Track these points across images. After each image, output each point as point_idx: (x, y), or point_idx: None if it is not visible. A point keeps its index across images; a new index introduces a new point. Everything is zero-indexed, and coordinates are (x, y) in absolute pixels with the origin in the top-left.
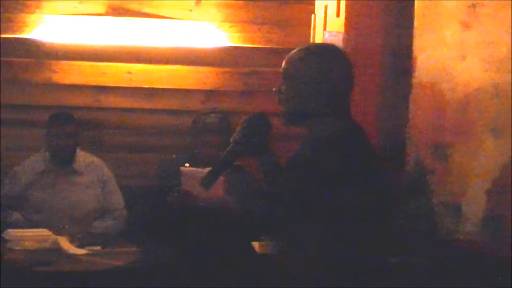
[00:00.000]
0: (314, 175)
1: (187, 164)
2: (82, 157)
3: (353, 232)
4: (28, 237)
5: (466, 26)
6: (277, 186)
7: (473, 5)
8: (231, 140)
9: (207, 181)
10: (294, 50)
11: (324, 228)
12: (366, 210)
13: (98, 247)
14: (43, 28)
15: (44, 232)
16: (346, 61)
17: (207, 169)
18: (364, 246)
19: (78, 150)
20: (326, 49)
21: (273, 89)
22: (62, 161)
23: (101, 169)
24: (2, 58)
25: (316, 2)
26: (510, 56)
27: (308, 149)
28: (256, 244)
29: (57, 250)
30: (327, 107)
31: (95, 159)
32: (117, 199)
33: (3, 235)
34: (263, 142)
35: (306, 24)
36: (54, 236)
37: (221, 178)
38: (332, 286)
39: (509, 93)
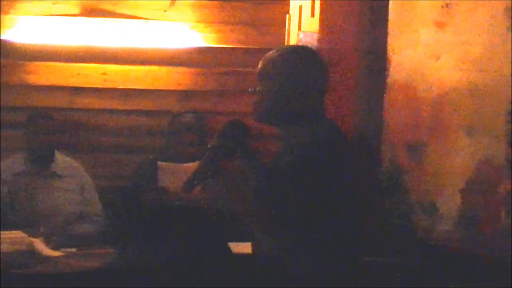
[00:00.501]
0: (295, 175)
1: (163, 162)
2: (61, 160)
3: (333, 230)
4: (2, 239)
5: (440, 25)
6: (263, 186)
7: (447, 5)
8: (208, 147)
9: (188, 186)
10: (270, 52)
11: (306, 226)
12: (343, 207)
13: (73, 249)
14: (17, 29)
15: (18, 234)
16: (320, 63)
17: (184, 164)
18: (344, 245)
19: (57, 153)
20: (301, 51)
21: (248, 89)
22: (41, 161)
23: (80, 173)
24: None
25: (291, 2)
26: (484, 55)
27: (287, 149)
28: (233, 244)
29: (32, 252)
30: (302, 107)
31: (74, 163)
32: (95, 204)
33: None
34: (241, 146)
35: (281, 24)
36: (29, 239)
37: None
38: (312, 285)
39: (484, 92)
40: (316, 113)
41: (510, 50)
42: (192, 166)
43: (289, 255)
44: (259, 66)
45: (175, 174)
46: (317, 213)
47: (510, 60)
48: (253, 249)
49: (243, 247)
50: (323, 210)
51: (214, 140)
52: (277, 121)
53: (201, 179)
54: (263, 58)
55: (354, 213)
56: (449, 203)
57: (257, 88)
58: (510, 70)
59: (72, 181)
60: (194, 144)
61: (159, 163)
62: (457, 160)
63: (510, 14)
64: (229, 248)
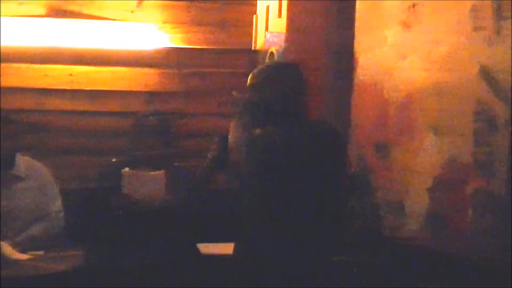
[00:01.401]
0: (274, 173)
1: (127, 168)
2: (23, 162)
3: (310, 228)
4: None
5: (406, 26)
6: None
7: (413, 5)
8: (208, 157)
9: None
10: (260, 67)
11: (281, 225)
12: (324, 204)
13: (41, 252)
14: None
15: None
16: (300, 75)
17: (148, 173)
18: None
19: (18, 155)
20: (284, 67)
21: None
22: (2, 165)
23: (42, 174)
24: None
25: (258, 2)
26: (450, 55)
27: (272, 149)
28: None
29: None
30: (287, 113)
31: (36, 163)
32: (56, 202)
33: None
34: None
35: (248, 25)
36: None
37: (163, 178)
38: (282, 284)
39: (450, 92)
40: (299, 117)
41: (476, 50)
42: (156, 174)
43: (265, 254)
44: (249, 79)
45: (139, 182)
46: (301, 208)
47: (476, 59)
48: (234, 250)
49: (225, 248)
50: (305, 205)
51: (211, 152)
52: (266, 124)
53: (203, 184)
54: (253, 73)
55: (334, 210)
56: (417, 202)
57: (248, 100)
58: (476, 70)
59: (34, 182)
60: (159, 146)
61: (123, 170)
62: (424, 159)
63: (475, 14)
64: (197, 249)
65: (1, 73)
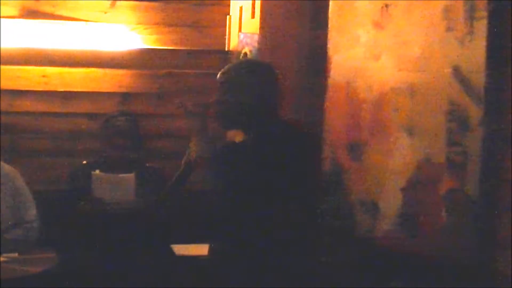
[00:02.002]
0: (249, 173)
1: (97, 171)
2: None
3: (283, 229)
4: None
5: (379, 26)
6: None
7: (386, 5)
8: (182, 162)
9: (163, 198)
10: (229, 65)
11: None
12: (298, 203)
13: (15, 254)
14: None
15: None
16: (274, 75)
17: (119, 175)
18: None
19: None
20: (257, 65)
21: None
22: None
23: (14, 179)
24: None
25: (231, 3)
26: (423, 55)
27: (247, 149)
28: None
29: None
30: (259, 113)
31: (8, 168)
32: (30, 211)
33: None
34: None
35: (221, 25)
36: None
37: (134, 180)
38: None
39: (423, 92)
40: (270, 116)
41: (448, 50)
42: (126, 177)
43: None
44: (218, 77)
45: (109, 184)
46: (276, 207)
47: (448, 60)
48: (209, 251)
49: (200, 249)
50: (280, 205)
51: (186, 156)
52: (240, 126)
53: (173, 193)
54: (222, 71)
55: (308, 210)
56: (390, 202)
57: (218, 98)
58: (449, 70)
59: (5, 187)
60: (128, 148)
61: (93, 173)
62: (397, 159)
63: (448, 15)
64: (171, 251)
65: None
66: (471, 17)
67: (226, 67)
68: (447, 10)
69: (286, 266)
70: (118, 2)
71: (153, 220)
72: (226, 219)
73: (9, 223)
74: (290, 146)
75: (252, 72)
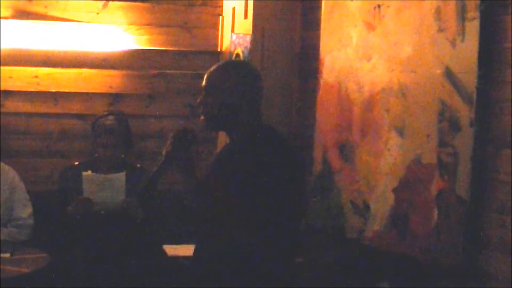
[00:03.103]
0: (237, 175)
1: (89, 171)
2: None
3: (270, 231)
4: None
5: (371, 27)
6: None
7: (378, 6)
8: (162, 153)
9: (144, 191)
10: (214, 67)
11: (243, 227)
12: (283, 206)
13: (7, 254)
14: None
15: None
16: (257, 76)
17: (109, 175)
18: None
19: None
20: (241, 66)
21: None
22: None
23: (10, 176)
24: None
25: (224, 4)
26: (414, 56)
27: (230, 151)
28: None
29: None
30: (243, 115)
31: (6, 167)
32: (24, 209)
33: None
34: (189, 156)
35: (214, 26)
36: None
37: (124, 180)
38: (242, 285)
39: (414, 92)
40: (253, 118)
41: (440, 51)
42: (116, 177)
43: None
44: (204, 80)
45: (99, 185)
46: (255, 213)
47: (440, 60)
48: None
49: (187, 249)
50: (261, 210)
51: (167, 146)
52: (225, 127)
53: (151, 187)
54: (207, 72)
55: (293, 212)
56: (382, 202)
57: (203, 100)
58: (440, 71)
59: (4, 185)
60: (118, 147)
61: (84, 173)
62: (388, 160)
63: (439, 16)
64: (163, 251)
65: None
66: (462, 18)
67: (211, 70)
68: (438, 11)
69: (267, 267)
70: (110, 3)
71: (137, 216)
72: (203, 219)
73: (6, 218)
74: (270, 151)
75: (234, 74)
